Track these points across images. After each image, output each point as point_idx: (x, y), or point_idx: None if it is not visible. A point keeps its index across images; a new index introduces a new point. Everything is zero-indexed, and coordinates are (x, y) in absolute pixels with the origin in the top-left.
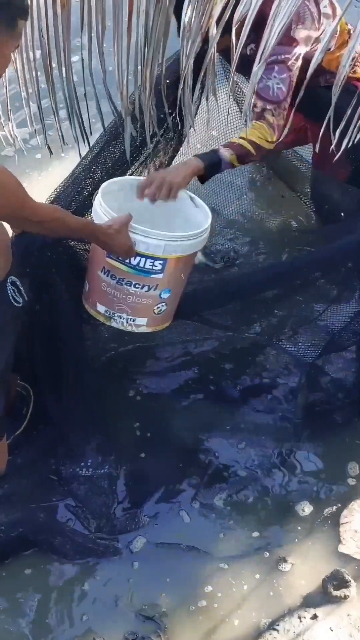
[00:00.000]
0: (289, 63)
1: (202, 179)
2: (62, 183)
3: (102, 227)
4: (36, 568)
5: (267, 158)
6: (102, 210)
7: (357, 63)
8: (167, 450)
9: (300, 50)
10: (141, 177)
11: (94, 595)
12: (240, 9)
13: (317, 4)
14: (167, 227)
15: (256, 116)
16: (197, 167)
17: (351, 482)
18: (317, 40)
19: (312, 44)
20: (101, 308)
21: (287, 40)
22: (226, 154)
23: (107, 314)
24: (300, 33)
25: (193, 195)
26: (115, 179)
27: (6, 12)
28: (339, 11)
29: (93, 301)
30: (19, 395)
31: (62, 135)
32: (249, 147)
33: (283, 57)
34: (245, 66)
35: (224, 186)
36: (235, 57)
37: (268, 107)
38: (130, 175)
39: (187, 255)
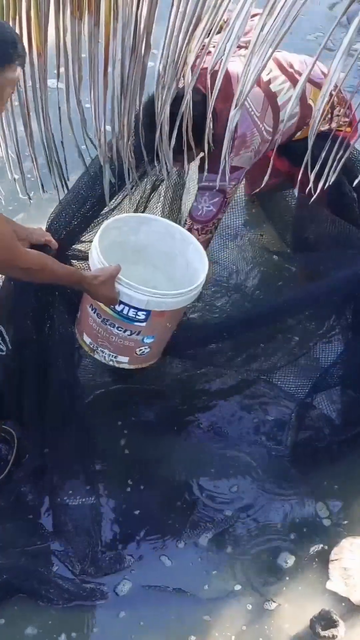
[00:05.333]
0: (227, 190)
1: None
2: (52, 213)
3: (88, 277)
4: (21, 614)
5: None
6: (97, 257)
7: (344, 120)
8: (154, 489)
9: (241, 173)
10: (148, 215)
11: None
12: (213, 57)
13: (276, 113)
14: (168, 267)
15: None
16: None
17: (326, 522)
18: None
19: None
20: (87, 339)
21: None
22: None
23: (91, 346)
24: (242, 159)
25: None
26: (120, 215)
27: (9, 59)
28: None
29: (81, 330)
30: (3, 440)
31: (42, 185)
32: None
33: (223, 185)
34: None
35: None
36: (211, 103)
37: (194, 227)
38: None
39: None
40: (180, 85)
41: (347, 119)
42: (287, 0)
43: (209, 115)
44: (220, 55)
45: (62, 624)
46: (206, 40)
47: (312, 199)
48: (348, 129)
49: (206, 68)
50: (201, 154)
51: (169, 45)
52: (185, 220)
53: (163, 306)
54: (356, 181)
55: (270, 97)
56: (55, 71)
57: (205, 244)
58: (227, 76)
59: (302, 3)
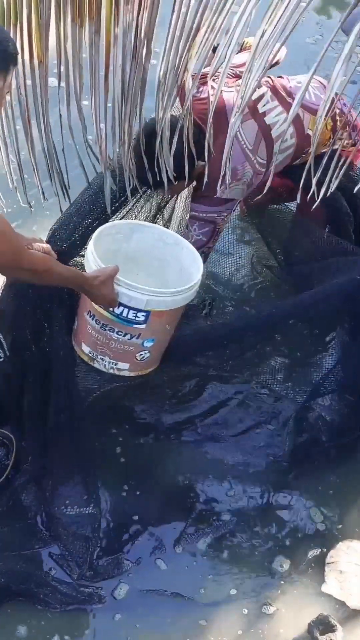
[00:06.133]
0: (218, 221)
1: None
2: (53, 225)
3: (89, 277)
4: (19, 618)
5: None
6: (93, 260)
7: (346, 143)
8: (152, 493)
9: (234, 204)
10: (140, 222)
11: None
12: (214, 63)
13: (270, 146)
14: (161, 273)
15: None
16: None
17: (322, 526)
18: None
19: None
20: (86, 348)
21: (216, 201)
22: None
23: (90, 355)
24: (234, 191)
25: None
26: (114, 222)
27: (2, 59)
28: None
29: (79, 341)
30: (2, 444)
31: (43, 192)
32: None
33: (207, 215)
34: None
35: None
36: (212, 106)
37: None
38: (121, 218)
39: (172, 309)
40: (176, 112)
41: (350, 141)
42: (287, 7)
43: (207, 143)
44: (213, 77)
45: (56, 626)
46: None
47: (313, 207)
48: (351, 148)
49: (201, 99)
50: (193, 183)
51: (170, 52)
52: None
53: (162, 305)
54: (357, 188)
55: (264, 130)
56: (55, 70)
57: None
58: (222, 106)
59: (303, 7)
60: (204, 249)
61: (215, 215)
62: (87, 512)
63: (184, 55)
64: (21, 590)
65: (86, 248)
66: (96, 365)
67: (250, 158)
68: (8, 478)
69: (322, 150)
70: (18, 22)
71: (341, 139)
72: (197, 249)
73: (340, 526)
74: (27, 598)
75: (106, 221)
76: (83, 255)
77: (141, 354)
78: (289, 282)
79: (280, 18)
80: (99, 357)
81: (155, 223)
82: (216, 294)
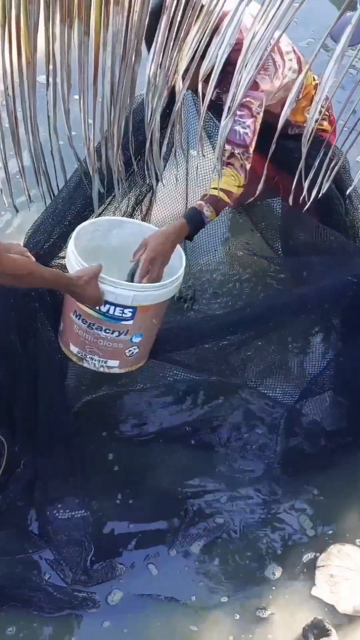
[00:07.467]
0: (252, 108)
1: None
2: (29, 230)
3: (73, 278)
4: (13, 623)
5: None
6: (75, 259)
7: (323, 115)
8: (145, 497)
9: (263, 96)
10: (119, 217)
11: None
12: (205, 64)
13: (282, 56)
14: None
15: (225, 159)
16: (184, 235)
17: (312, 532)
18: (279, 89)
19: (275, 93)
20: (74, 349)
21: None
22: (207, 212)
23: (79, 355)
24: (262, 81)
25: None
26: (92, 219)
27: None
28: (305, 65)
29: (66, 341)
30: None
31: (29, 196)
32: (223, 195)
33: (245, 100)
34: (213, 107)
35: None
36: (203, 110)
37: (236, 151)
38: (99, 215)
39: (158, 302)
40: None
41: (326, 113)
42: (280, 7)
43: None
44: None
45: (46, 630)
46: None
47: (305, 208)
48: (327, 125)
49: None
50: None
51: (160, 53)
52: (223, 151)
53: (149, 300)
54: (349, 189)
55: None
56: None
57: (247, 175)
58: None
59: (295, 9)
60: (250, 149)
61: (250, 99)
62: (79, 516)
63: (174, 57)
64: (15, 595)
65: (65, 248)
66: (85, 364)
67: (270, 55)
68: (1, 482)
69: (299, 119)
70: (6, 22)
71: (323, 107)
72: (248, 144)
73: (331, 530)
74: (21, 603)
75: (83, 219)
76: (63, 257)
77: (130, 350)
78: (275, 277)
79: (272, 18)
80: (88, 356)
81: (133, 217)
82: (199, 287)
